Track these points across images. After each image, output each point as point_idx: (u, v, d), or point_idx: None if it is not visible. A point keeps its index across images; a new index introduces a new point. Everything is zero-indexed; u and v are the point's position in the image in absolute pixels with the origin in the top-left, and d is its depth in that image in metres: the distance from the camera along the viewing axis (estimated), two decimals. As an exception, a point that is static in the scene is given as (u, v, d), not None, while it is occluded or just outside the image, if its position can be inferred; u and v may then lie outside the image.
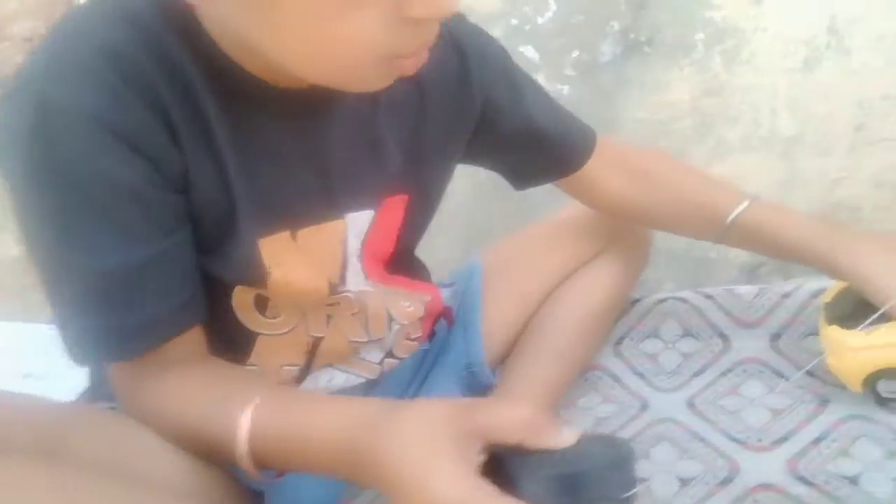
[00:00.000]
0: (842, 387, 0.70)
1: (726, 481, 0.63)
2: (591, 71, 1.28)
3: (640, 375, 0.78)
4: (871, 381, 0.64)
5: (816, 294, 0.79)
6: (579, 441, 0.39)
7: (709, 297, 0.83)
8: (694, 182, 0.71)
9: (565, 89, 1.34)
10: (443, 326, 0.74)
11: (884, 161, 1.33)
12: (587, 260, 0.77)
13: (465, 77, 0.59)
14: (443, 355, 0.72)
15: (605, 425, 0.73)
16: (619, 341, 0.83)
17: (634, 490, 0.39)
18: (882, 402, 0.65)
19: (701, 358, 0.78)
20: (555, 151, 0.67)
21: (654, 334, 0.82)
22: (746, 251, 0.82)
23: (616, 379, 0.79)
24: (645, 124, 1.40)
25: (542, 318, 0.75)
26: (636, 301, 0.86)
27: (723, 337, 0.80)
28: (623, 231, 0.78)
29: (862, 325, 0.62)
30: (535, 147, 0.66)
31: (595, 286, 0.76)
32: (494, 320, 0.74)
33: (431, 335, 0.72)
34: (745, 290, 0.83)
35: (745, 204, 0.67)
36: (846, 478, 0.61)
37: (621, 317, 0.85)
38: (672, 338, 0.81)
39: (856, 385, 0.65)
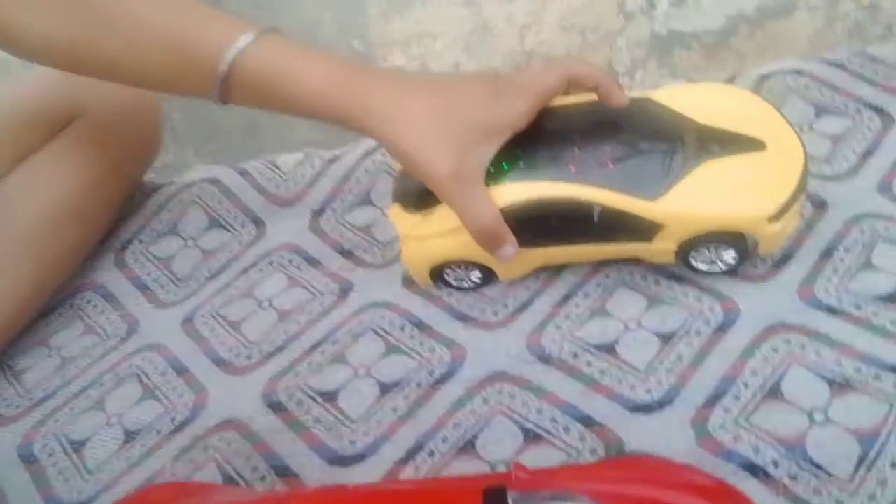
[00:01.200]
0: (379, 265, 0.56)
1: (183, 424, 0.47)
2: None
3: (143, 288, 0.58)
4: (437, 272, 0.49)
5: (370, 153, 0.64)
6: None
7: (244, 172, 0.65)
8: (169, 11, 0.46)
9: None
10: None
11: (569, 2, 1.21)
12: (37, 147, 0.55)
13: None
14: None
15: (69, 367, 0.53)
16: (125, 246, 0.62)
17: None
18: (448, 286, 0.51)
19: (224, 254, 0.60)
20: None
21: (173, 230, 0.62)
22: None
23: (110, 298, 0.58)
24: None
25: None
26: (157, 189, 0.66)
27: (257, 222, 0.62)
28: (104, 95, 0.56)
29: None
30: None
31: (35, 187, 0.54)
32: None
33: None
34: (288, 159, 0.65)
35: (246, 40, 0.44)
36: (324, 394, 0.46)
37: (131, 214, 0.64)
38: (195, 232, 0.62)
39: (423, 278, 0.50)
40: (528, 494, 0.28)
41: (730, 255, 0.45)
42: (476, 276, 0.49)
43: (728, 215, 0.43)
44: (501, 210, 0.44)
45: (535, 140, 0.46)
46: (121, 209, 0.63)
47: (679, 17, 1.20)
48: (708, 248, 0.45)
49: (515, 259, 0.47)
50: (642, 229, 0.44)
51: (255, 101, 0.47)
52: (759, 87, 0.60)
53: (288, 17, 1.21)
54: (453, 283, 0.50)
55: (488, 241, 0.45)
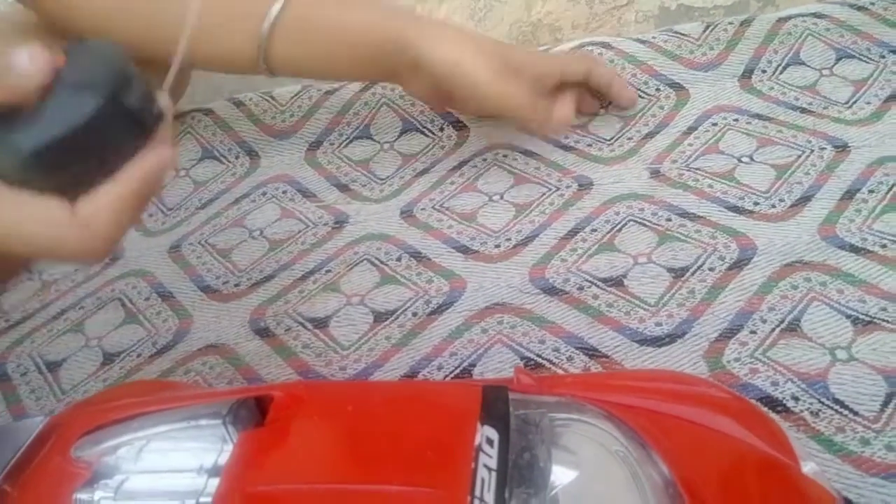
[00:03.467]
0: (377, 199, 0.53)
1: (165, 349, 0.44)
2: None
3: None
4: None
5: (369, 87, 0.61)
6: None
7: (239, 104, 0.62)
8: None
9: None
10: None
11: (576, -29, 1.18)
12: None
13: None
14: None
15: (49, 290, 0.51)
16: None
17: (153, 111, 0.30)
18: None
19: (216, 185, 0.57)
20: None
21: (165, 162, 0.60)
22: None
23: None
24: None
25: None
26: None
27: (251, 154, 0.59)
28: None
29: None
30: None
31: None
32: None
33: None
34: (285, 90, 0.62)
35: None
36: (314, 321, 0.44)
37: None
38: (186, 163, 0.59)
39: None
40: (530, 398, 0.26)
41: None
42: None
43: None
44: None
45: None
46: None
47: (688, -9, 1.17)
48: None
49: None
50: None
51: (298, 53, 0.48)
52: (776, 30, 0.58)
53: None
54: None
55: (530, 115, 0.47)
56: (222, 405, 0.25)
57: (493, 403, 0.25)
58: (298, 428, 0.24)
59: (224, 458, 0.25)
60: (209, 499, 0.23)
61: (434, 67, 0.46)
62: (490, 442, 0.23)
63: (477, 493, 0.22)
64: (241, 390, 0.26)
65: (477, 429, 0.23)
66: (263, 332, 0.43)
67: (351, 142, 0.58)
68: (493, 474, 0.22)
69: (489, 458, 0.23)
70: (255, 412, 0.25)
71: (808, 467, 0.26)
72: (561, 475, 0.24)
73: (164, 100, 0.31)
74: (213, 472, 0.25)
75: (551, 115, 0.49)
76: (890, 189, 0.44)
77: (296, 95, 0.61)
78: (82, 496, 0.25)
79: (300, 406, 0.25)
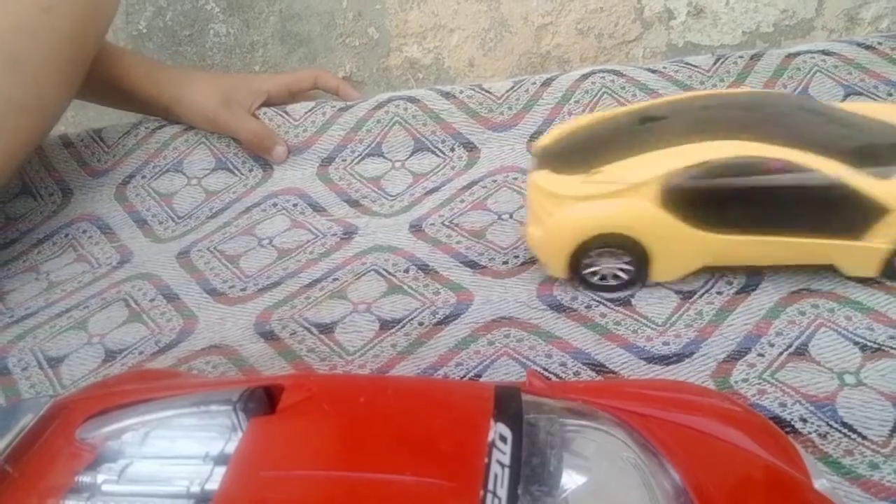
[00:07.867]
0: (387, 214, 0.54)
1: (167, 347, 0.44)
2: None
3: (141, 223, 0.56)
4: (578, 258, 0.41)
5: (382, 105, 0.62)
6: None
7: (254, 116, 0.63)
8: None
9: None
10: None
11: (587, 4, 1.20)
12: None
13: None
14: None
15: (54, 290, 0.51)
16: (127, 181, 0.60)
17: None
18: (587, 285, 0.43)
19: (228, 195, 0.58)
20: None
21: (178, 168, 0.60)
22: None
23: (106, 230, 0.56)
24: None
25: None
26: (161, 126, 0.63)
27: (264, 167, 0.59)
28: None
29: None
30: None
31: None
32: None
33: None
34: (299, 106, 0.63)
35: None
36: (320, 326, 0.44)
37: (135, 149, 0.62)
38: (199, 172, 0.59)
39: (562, 258, 0.41)
40: (542, 401, 0.25)
41: None
42: (624, 265, 0.41)
43: None
44: (682, 168, 0.38)
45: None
46: (76, 72, 0.54)
47: (696, 30, 1.19)
48: None
49: (677, 249, 0.41)
50: (857, 217, 0.38)
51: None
52: (785, 65, 0.59)
53: (304, 1, 1.20)
54: (590, 278, 0.42)
55: (261, 141, 0.59)
56: (232, 392, 0.25)
57: (507, 402, 0.24)
58: (310, 416, 0.24)
59: (231, 448, 0.24)
60: (215, 486, 0.23)
61: (179, 105, 0.60)
62: (503, 439, 0.23)
63: (490, 487, 0.21)
64: (250, 380, 0.26)
65: (490, 425, 0.23)
66: (268, 335, 0.43)
67: (363, 159, 0.59)
68: (506, 470, 0.22)
69: (502, 454, 0.22)
70: (266, 400, 0.25)
71: (819, 483, 0.26)
72: (572, 479, 0.24)
73: None
74: (220, 460, 0.24)
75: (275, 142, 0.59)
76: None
77: (310, 111, 0.62)
78: (85, 479, 0.24)
79: (311, 396, 0.24)
